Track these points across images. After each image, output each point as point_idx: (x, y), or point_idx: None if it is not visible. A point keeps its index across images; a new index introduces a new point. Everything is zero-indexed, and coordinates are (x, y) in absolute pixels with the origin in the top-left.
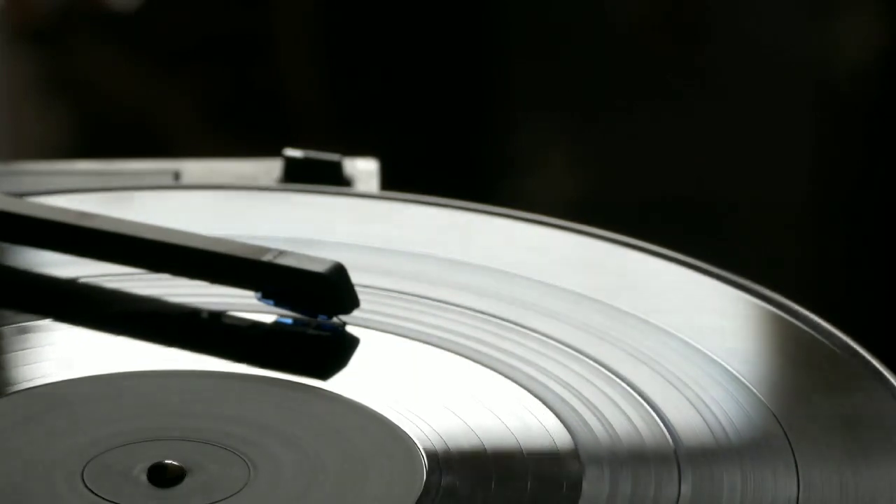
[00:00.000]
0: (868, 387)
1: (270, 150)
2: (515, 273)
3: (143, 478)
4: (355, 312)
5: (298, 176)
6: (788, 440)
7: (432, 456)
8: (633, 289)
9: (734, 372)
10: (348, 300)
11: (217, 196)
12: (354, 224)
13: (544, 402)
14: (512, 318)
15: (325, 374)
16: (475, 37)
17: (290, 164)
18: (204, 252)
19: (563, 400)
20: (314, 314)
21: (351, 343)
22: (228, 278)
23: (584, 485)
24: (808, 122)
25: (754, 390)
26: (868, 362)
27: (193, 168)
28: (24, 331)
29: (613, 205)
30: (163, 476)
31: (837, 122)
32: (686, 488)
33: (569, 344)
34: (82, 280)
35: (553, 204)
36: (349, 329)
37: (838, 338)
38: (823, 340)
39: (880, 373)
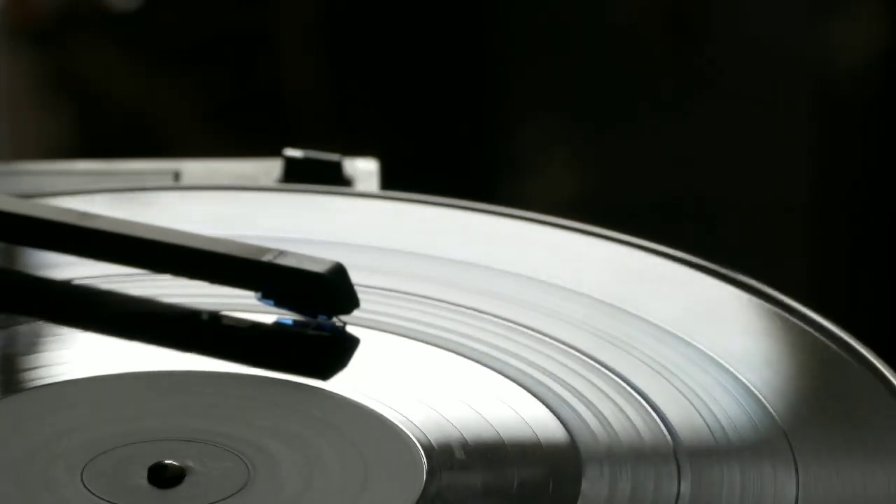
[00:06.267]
0: (868, 386)
1: (270, 150)
2: (517, 272)
3: (143, 478)
4: (355, 312)
5: (298, 176)
6: (788, 440)
7: (432, 456)
8: (632, 286)
9: (734, 371)
10: (348, 300)
11: (217, 196)
12: (354, 224)
13: (544, 403)
14: (512, 317)
15: (325, 374)
16: (476, 37)
17: (290, 164)
18: (204, 252)
19: (563, 400)
20: (314, 314)
21: (351, 343)
22: (228, 278)
23: (584, 484)
24: (808, 121)
25: (754, 390)
26: (869, 361)
27: (193, 168)
28: (24, 332)
29: (614, 205)
30: (163, 476)
31: (837, 122)
32: (686, 487)
33: (569, 343)
34: (81, 280)
35: (554, 204)
36: (349, 329)
37: (839, 337)
38: (824, 339)
39: (881, 372)
